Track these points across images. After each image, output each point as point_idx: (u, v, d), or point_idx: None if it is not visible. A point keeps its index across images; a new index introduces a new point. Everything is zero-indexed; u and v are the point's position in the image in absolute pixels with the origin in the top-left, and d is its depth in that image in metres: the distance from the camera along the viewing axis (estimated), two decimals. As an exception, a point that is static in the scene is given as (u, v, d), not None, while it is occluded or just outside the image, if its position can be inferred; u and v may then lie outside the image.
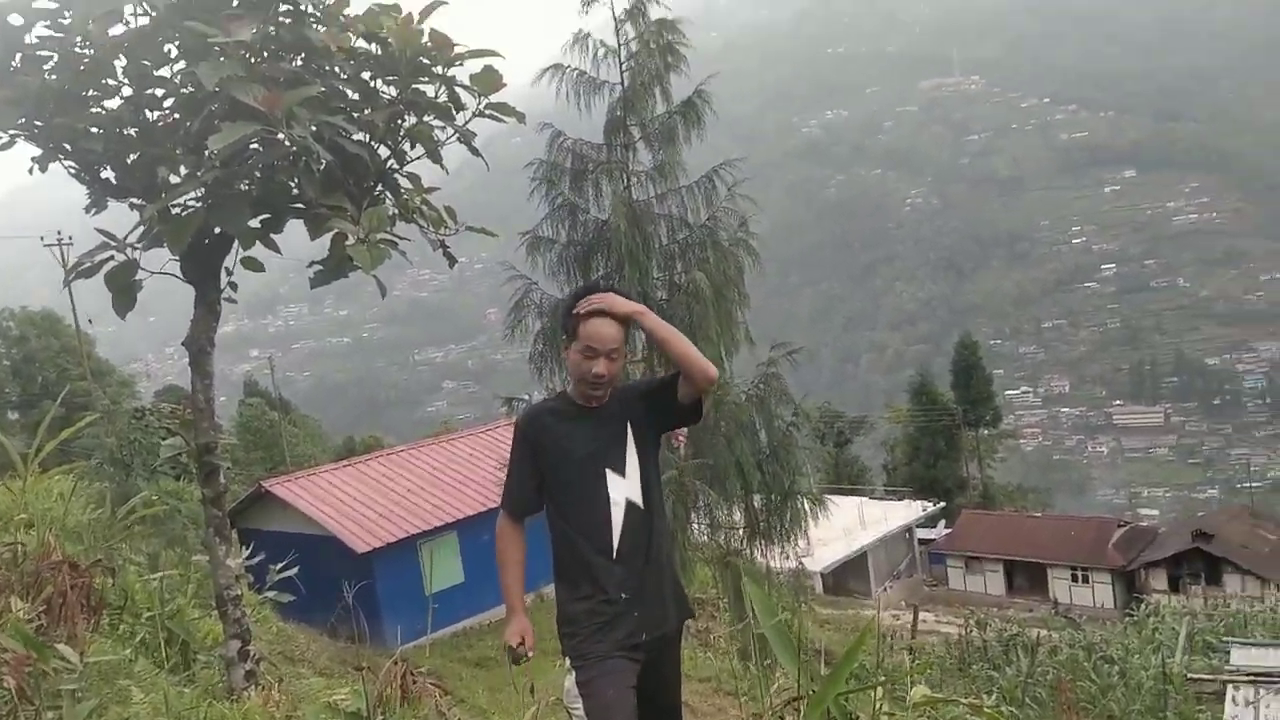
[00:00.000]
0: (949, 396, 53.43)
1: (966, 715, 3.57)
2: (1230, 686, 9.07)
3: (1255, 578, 35.12)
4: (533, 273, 9.35)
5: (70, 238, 31.91)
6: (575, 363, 3.19)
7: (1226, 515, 41.86)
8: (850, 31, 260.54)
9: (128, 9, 3.92)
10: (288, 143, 3.80)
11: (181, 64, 4.08)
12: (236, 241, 4.27)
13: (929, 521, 44.71)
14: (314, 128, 3.80)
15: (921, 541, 43.66)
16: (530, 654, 3.22)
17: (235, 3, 3.98)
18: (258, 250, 4.46)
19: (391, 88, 4.30)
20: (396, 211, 4.39)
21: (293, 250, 4.90)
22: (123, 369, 46.76)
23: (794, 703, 3.26)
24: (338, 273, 4.21)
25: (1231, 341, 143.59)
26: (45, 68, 3.96)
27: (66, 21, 3.91)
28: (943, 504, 46.18)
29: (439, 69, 4.27)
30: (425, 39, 4.12)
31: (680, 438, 9.37)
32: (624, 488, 3.22)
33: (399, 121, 4.37)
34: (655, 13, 9.12)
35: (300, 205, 4.23)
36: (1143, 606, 17.77)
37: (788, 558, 9.38)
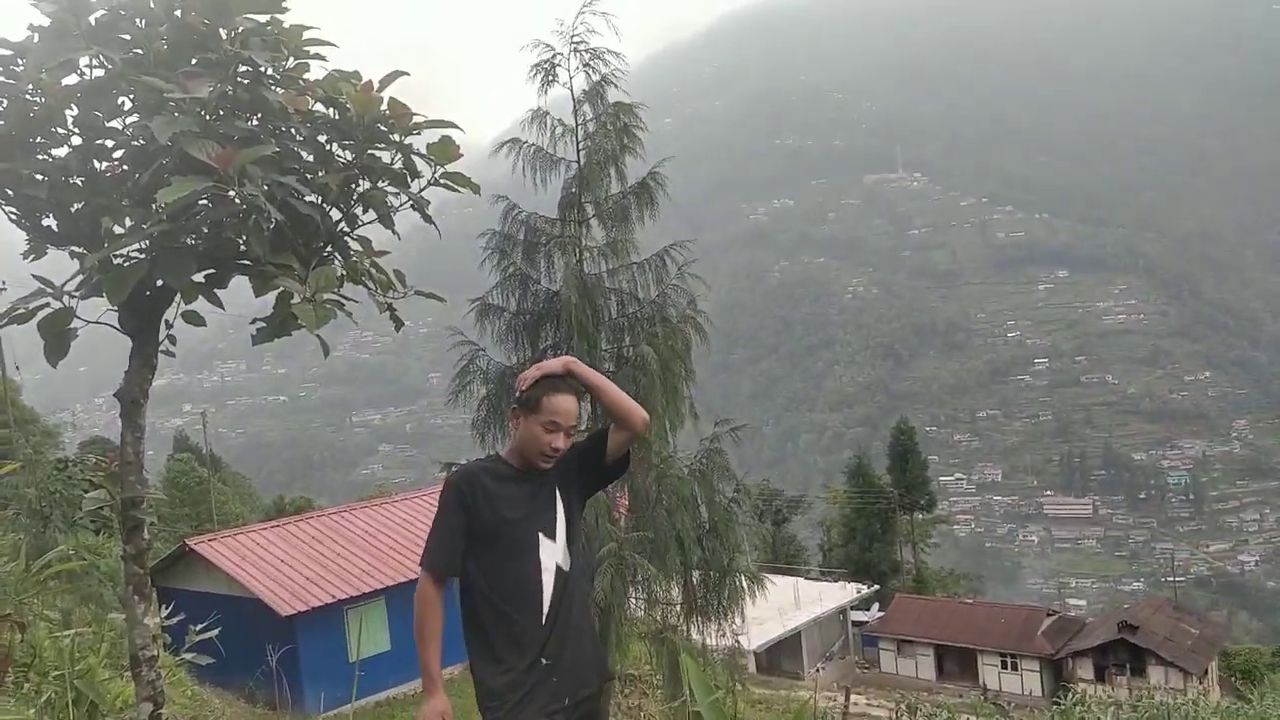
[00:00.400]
0: (885, 479, 54.02)
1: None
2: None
3: (1178, 670, 35.66)
4: (481, 339, 9.37)
5: (3, 282, 31.14)
6: (534, 435, 3.22)
7: (1151, 608, 42.53)
8: (798, 125, 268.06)
9: (83, 60, 3.93)
10: (238, 200, 3.81)
11: (134, 117, 4.09)
12: (178, 295, 4.23)
13: (863, 604, 44.78)
14: (266, 186, 3.82)
15: (855, 623, 43.67)
16: None
17: (194, 61, 4.02)
18: (200, 304, 4.42)
19: (347, 152, 4.34)
20: (344, 273, 4.39)
21: (234, 306, 4.87)
22: (48, 418, 45.33)
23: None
24: (281, 330, 4.18)
25: (1157, 438, 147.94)
26: (-7, 113, 3.94)
27: (19, 69, 3.91)
28: (877, 587, 46.34)
29: (396, 136, 4.32)
30: (384, 106, 4.18)
31: (621, 509, 9.35)
32: (554, 552, 3.22)
33: (353, 185, 4.39)
34: (613, 95, 9.34)
35: (247, 262, 4.21)
36: (1069, 695, 17.92)
37: (724, 635, 9.33)
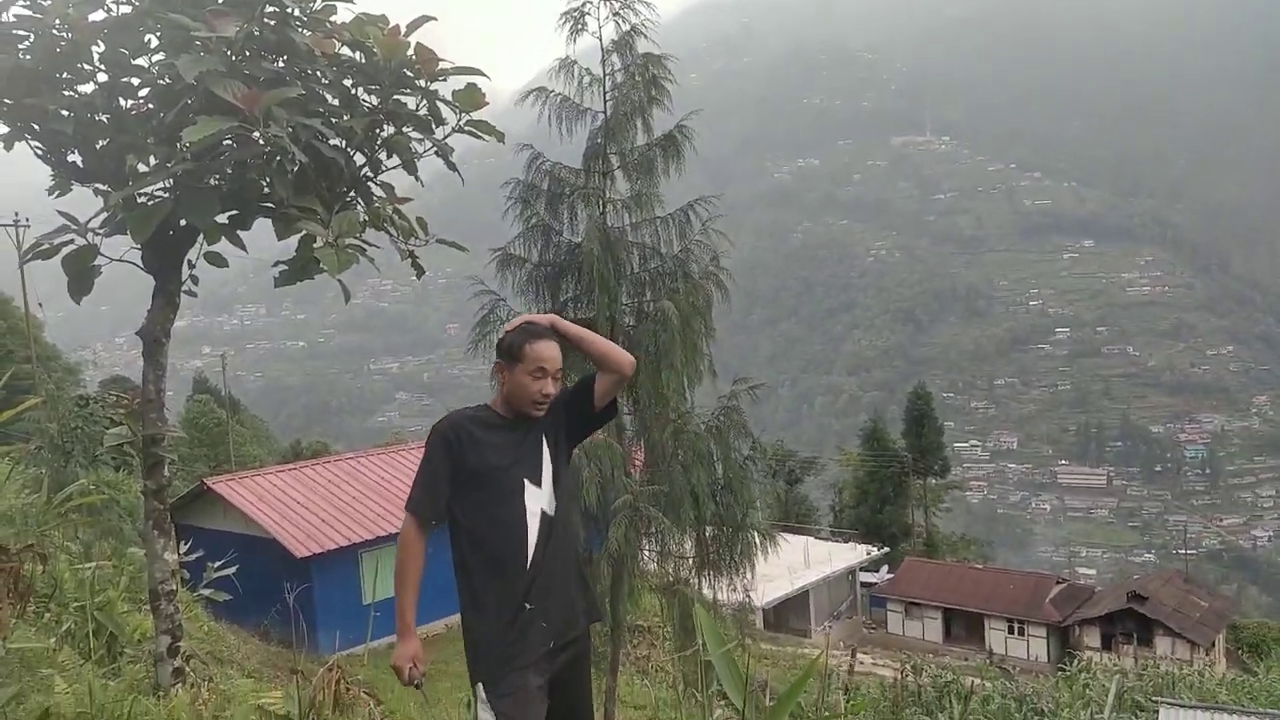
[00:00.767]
0: (900, 444, 53.94)
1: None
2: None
3: (1185, 641, 35.74)
4: (501, 289, 9.33)
5: (28, 220, 31.30)
6: (522, 384, 3.22)
7: (1161, 579, 42.53)
8: (826, 84, 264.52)
9: (111, -4, 3.92)
10: (262, 141, 3.80)
11: (160, 55, 4.07)
12: (201, 235, 4.25)
13: (872, 565, 44.97)
14: (291, 129, 3.81)
15: (864, 584, 43.88)
16: (422, 679, 3.18)
17: (221, 0, 3.99)
18: (222, 246, 4.44)
19: (373, 96, 4.32)
20: (367, 219, 4.39)
21: (255, 250, 4.87)
22: (69, 355, 45.82)
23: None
24: (303, 274, 4.20)
25: (1175, 411, 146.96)
26: (20, 47, 3.94)
27: (46, 3, 3.89)
28: (887, 549, 46.50)
29: (422, 82, 4.29)
30: (410, 52, 4.14)
31: (637, 463, 9.39)
32: (539, 498, 3.24)
33: (377, 130, 4.38)
34: (642, 46, 9.21)
35: (270, 204, 4.22)
36: (1075, 662, 17.99)
37: (735, 590, 9.40)
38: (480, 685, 3.16)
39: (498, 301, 9.34)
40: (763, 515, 9.67)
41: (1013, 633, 39.64)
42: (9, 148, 4.17)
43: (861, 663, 28.17)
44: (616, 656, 9.48)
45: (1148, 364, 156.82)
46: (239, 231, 4.35)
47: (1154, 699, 10.73)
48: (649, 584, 9.48)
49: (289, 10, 4.09)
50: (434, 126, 4.48)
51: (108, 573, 5.82)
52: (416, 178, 4.70)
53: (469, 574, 3.21)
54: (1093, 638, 38.10)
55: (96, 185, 4.26)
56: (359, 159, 4.46)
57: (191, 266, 4.51)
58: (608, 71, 9.31)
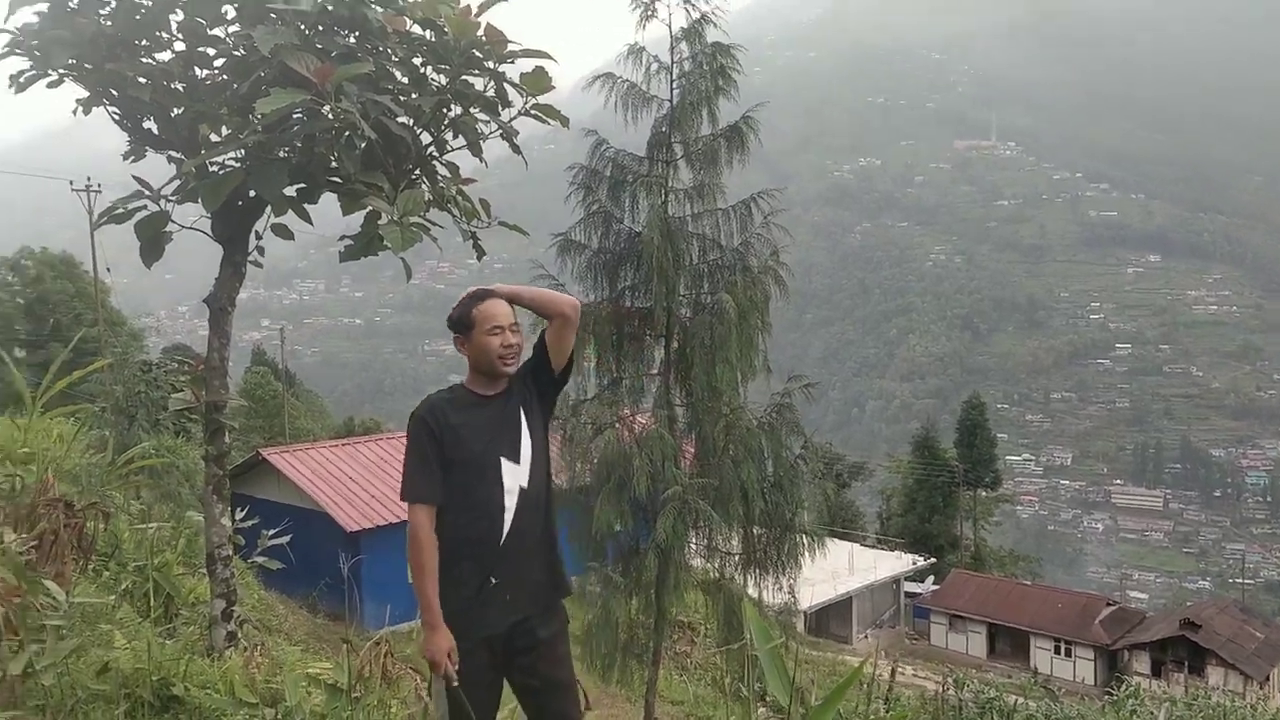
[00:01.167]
0: (951, 453, 53.22)
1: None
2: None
3: (1239, 673, 34.82)
4: (560, 275, 9.37)
5: (99, 185, 32.06)
6: (483, 346, 3.27)
7: (1216, 607, 41.47)
8: (892, 84, 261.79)
9: (192, -34, 3.97)
10: (332, 116, 3.83)
11: (236, 27, 4.13)
12: (269, 207, 4.30)
13: (917, 575, 44.48)
14: (361, 104, 3.84)
15: (908, 594, 43.42)
16: (458, 675, 3.16)
17: (299, -27, 4.03)
18: (289, 219, 4.50)
19: (442, 76, 4.33)
20: (431, 198, 4.41)
21: (317, 227, 4.92)
22: (134, 321, 46.88)
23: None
24: (367, 250, 4.24)
25: (1238, 436, 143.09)
26: (102, 13, 4.01)
27: (131, -30, 3.97)
28: (933, 560, 45.94)
29: (490, 63, 4.30)
30: (481, 32, 4.15)
31: (687, 455, 9.36)
32: (517, 474, 3.28)
33: (445, 110, 4.39)
34: (711, 36, 9.17)
35: (337, 180, 4.26)
36: (1123, 687, 17.62)
37: (780, 590, 9.34)
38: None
39: (557, 287, 9.37)
40: (812, 517, 9.57)
41: (1059, 653, 38.93)
42: (87, 112, 4.25)
43: (903, 673, 27.90)
44: (659, 649, 9.48)
45: (1211, 385, 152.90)
46: (305, 205, 4.40)
47: (1203, 727, 10.47)
48: (694, 579, 9.45)
49: (365, -14, 4.12)
50: (500, 109, 4.49)
51: (166, 535, 5.94)
52: (481, 159, 4.71)
53: (445, 551, 3.23)
54: (1142, 663, 37.29)
55: (170, 152, 4.33)
56: (425, 138, 4.49)
57: (259, 238, 4.57)
58: (675, 59, 9.27)
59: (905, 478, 54.49)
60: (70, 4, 3.96)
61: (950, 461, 52.17)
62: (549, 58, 4.33)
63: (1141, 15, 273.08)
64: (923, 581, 45.18)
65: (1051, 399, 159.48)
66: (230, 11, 4.08)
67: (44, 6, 3.95)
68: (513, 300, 3.38)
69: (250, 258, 4.60)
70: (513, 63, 4.40)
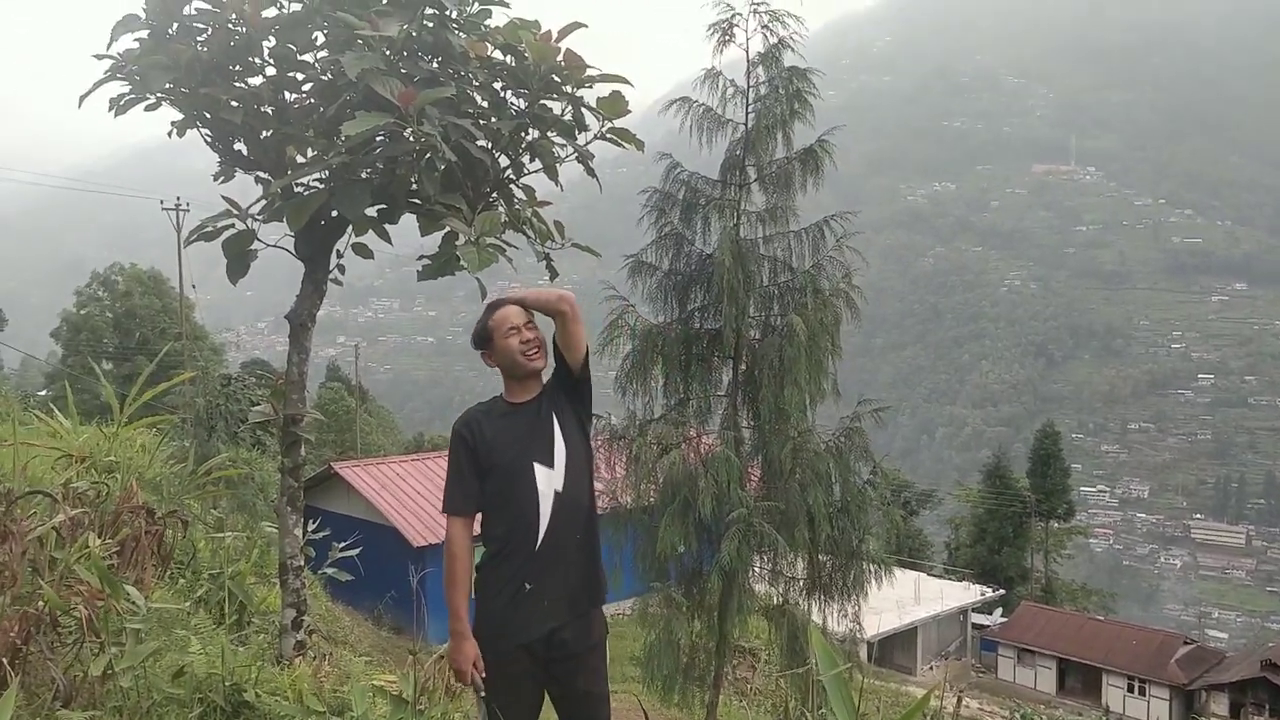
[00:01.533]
0: (1023, 483, 52.01)
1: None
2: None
3: (1323, 719, 33.39)
4: (630, 295, 9.45)
5: (188, 204, 33.20)
6: (505, 348, 3.42)
7: (1301, 650, 39.78)
8: (968, 107, 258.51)
9: (283, -6, 4.12)
10: (414, 139, 3.93)
11: (324, 52, 4.27)
12: (351, 226, 4.42)
13: (986, 607, 43.48)
14: (442, 128, 3.93)
15: (975, 626, 42.45)
16: (483, 680, 3.24)
17: (385, 1, 4.15)
18: (368, 238, 4.62)
19: (520, 100, 4.41)
20: (507, 219, 4.49)
21: (395, 245, 5.04)
22: (215, 336, 48.28)
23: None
24: (444, 269, 4.32)
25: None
26: (199, 39, 4.17)
27: (225, -1, 4.12)
28: (1002, 591, 44.85)
29: (568, 88, 4.36)
30: (560, 57, 4.22)
31: (753, 478, 9.31)
32: (551, 478, 3.33)
33: (523, 134, 4.47)
34: (788, 60, 9.20)
35: (417, 201, 4.36)
36: (1200, 730, 17.02)
37: (845, 617, 9.22)
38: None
39: (627, 307, 9.43)
40: (879, 544, 9.43)
41: (1132, 691, 37.68)
42: (182, 134, 4.42)
43: (968, 707, 27.27)
44: (720, 672, 9.41)
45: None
46: (385, 225, 4.51)
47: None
48: (757, 603, 9.38)
49: (447, 12, 4.22)
50: (577, 133, 4.55)
51: (240, 545, 6.09)
52: (557, 182, 4.78)
53: (485, 558, 3.35)
54: (1220, 705, 35.89)
55: (258, 173, 4.47)
56: (503, 161, 4.56)
57: (339, 256, 4.69)
58: (752, 83, 9.30)
59: (975, 507, 53.39)
60: (169, 31, 4.12)
61: (1022, 492, 50.97)
62: (626, 82, 4.38)
63: (1228, 36, 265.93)
64: (991, 613, 44.14)
65: (1129, 430, 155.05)
66: (320, 38, 4.21)
67: (144, 33, 4.11)
68: (521, 305, 3.51)
69: (330, 276, 4.71)
70: (590, 87, 4.47)
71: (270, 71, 4.33)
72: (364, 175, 4.25)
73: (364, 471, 23.69)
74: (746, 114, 9.29)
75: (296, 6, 4.17)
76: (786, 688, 8.97)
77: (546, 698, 3.45)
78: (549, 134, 4.51)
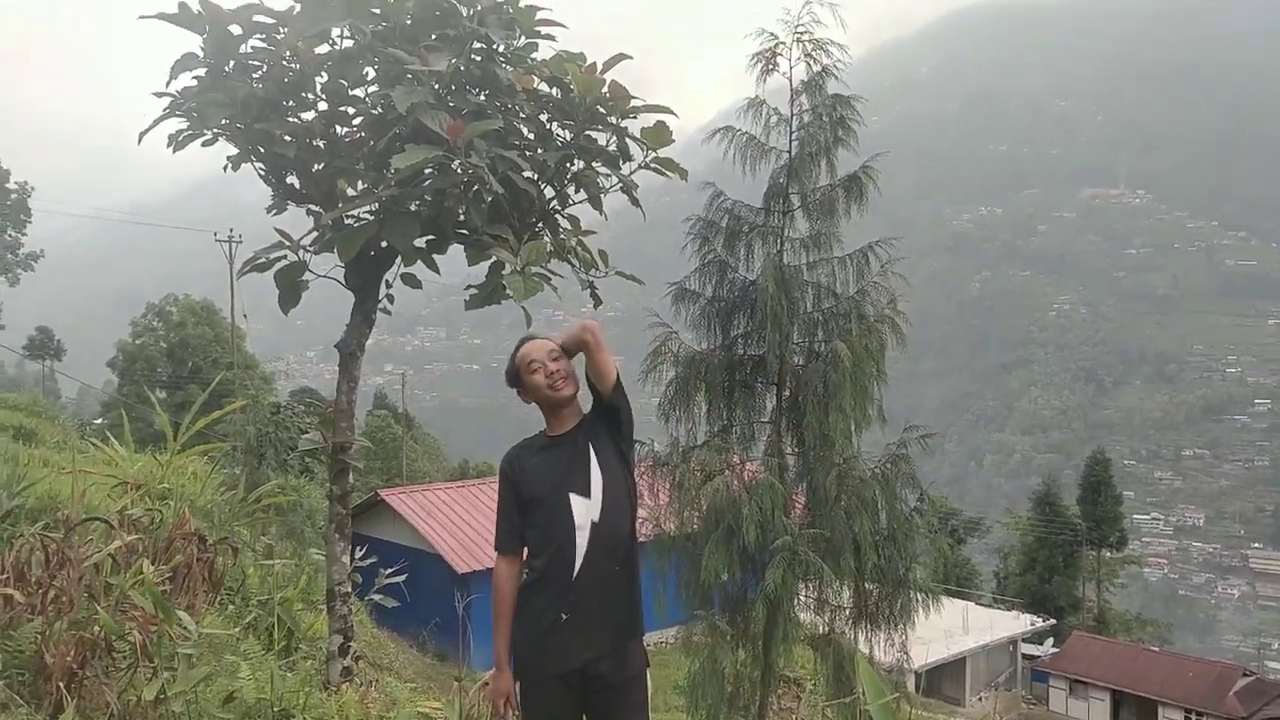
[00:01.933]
0: (1074, 511, 50.99)
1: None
2: None
3: (1393, 757, 32.21)
4: (674, 322, 9.49)
5: (240, 236, 33.90)
6: (534, 384, 3.48)
7: (1367, 685, 38.47)
8: (1014, 131, 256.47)
9: (335, 31, 4.22)
10: (461, 171, 3.99)
11: (375, 87, 4.36)
12: (400, 257, 4.49)
13: (1036, 637, 42.55)
14: (489, 160, 3.99)
15: (1026, 656, 41.55)
16: (515, 715, 3.29)
17: (434, 36, 4.23)
18: (417, 268, 4.69)
19: (566, 131, 4.47)
20: (552, 249, 4.53)
21: (442, 275, 5.11)
22: (266, 365, 49.00)
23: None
24: (491, 298, 4.38)
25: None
26: (254, 76, 4.29)
27: (279, 36, 4.23)
28: (1053, 621, 43.87)
29: (613, 119, 4.41)
30: (605, 89, 4.27)
31: (797, 505, 9.25)
32: (588, 509, 3.34)
33: (569, 164, 4.53)
34: (831, 87, 9.22)
35: (465, 231, 4.42)
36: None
37: (892, 646, 9.08)
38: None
39: (670, 334, 9.45)
40: (926, 572, 9.30)
41: (1190, 724, 36.67)
42: (237, 168, 4.53)
43: (1020, 738, 26.66)
44: (765, 702, 9.31)
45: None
46: (434, 255, 4.58)
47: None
48: (803, 632, 9.28)
49: (495, 46, 4.30)
50: (621, 163, 4.59)
51: (289, 571, 6.16)
52: (601, 212, 4.83)
53: (526, 589, 3.38)
54: (1283, 739, 34.80)
55: (310, 206, 4.56)
56: (549, 191, 4.62)
57: (389, 286, 4.77)
58: (795, 111, 9.32)
59: (1024, 535, 52.41)
60: (225, 68, 4.23)
61: (1073, 519, 49.96)
62: (670, 112, 4.42)
63: (1277, 59, 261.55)
64: (1041, 644, 43.19)
65: (1183, 456, 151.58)
66: (370, 73, 4.31)
67: (202, 71, 4.23)
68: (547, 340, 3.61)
69: (380, 306, 4.79)
70: (634, 117, 4.52)
71: (322, 106, 4.44)
72: (413, 207, 4.32)
73: (410, 498, 23.87)
74: (790, 141, 9.31)
75: (348, 43, 4.27)
76: (833, 718, 8.84)
77: None
78: (594, 164, 4.56)
